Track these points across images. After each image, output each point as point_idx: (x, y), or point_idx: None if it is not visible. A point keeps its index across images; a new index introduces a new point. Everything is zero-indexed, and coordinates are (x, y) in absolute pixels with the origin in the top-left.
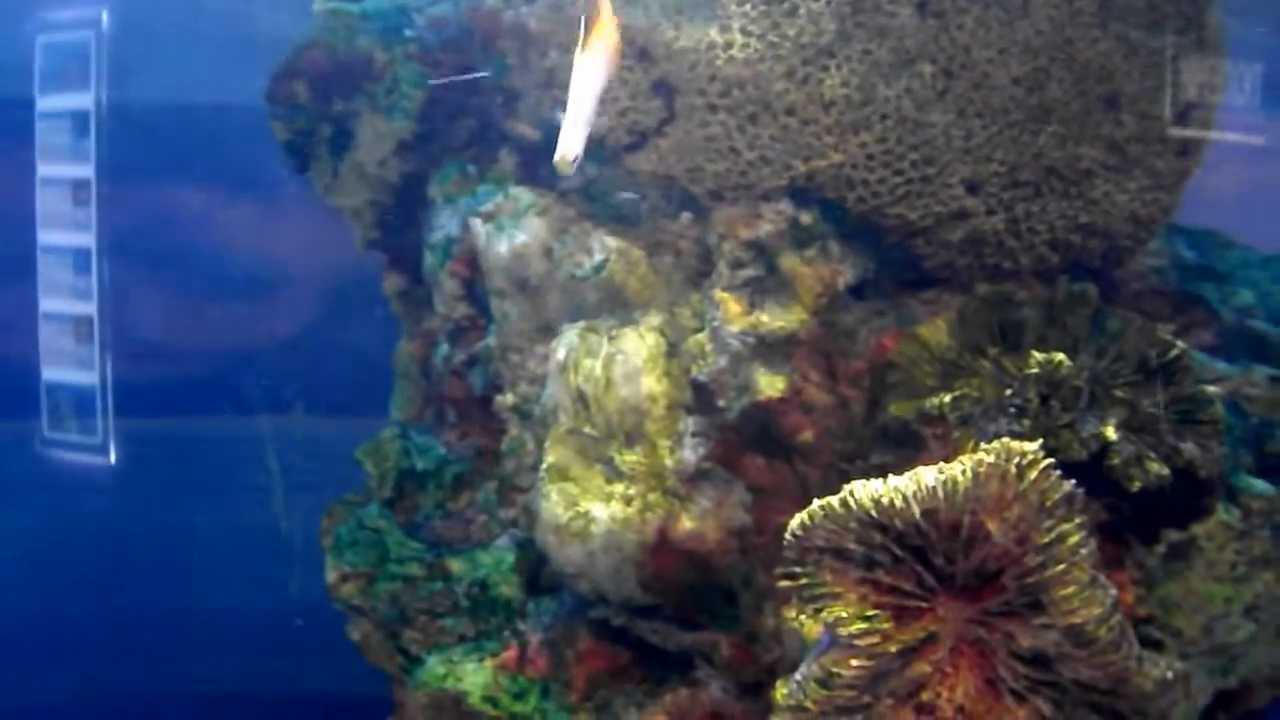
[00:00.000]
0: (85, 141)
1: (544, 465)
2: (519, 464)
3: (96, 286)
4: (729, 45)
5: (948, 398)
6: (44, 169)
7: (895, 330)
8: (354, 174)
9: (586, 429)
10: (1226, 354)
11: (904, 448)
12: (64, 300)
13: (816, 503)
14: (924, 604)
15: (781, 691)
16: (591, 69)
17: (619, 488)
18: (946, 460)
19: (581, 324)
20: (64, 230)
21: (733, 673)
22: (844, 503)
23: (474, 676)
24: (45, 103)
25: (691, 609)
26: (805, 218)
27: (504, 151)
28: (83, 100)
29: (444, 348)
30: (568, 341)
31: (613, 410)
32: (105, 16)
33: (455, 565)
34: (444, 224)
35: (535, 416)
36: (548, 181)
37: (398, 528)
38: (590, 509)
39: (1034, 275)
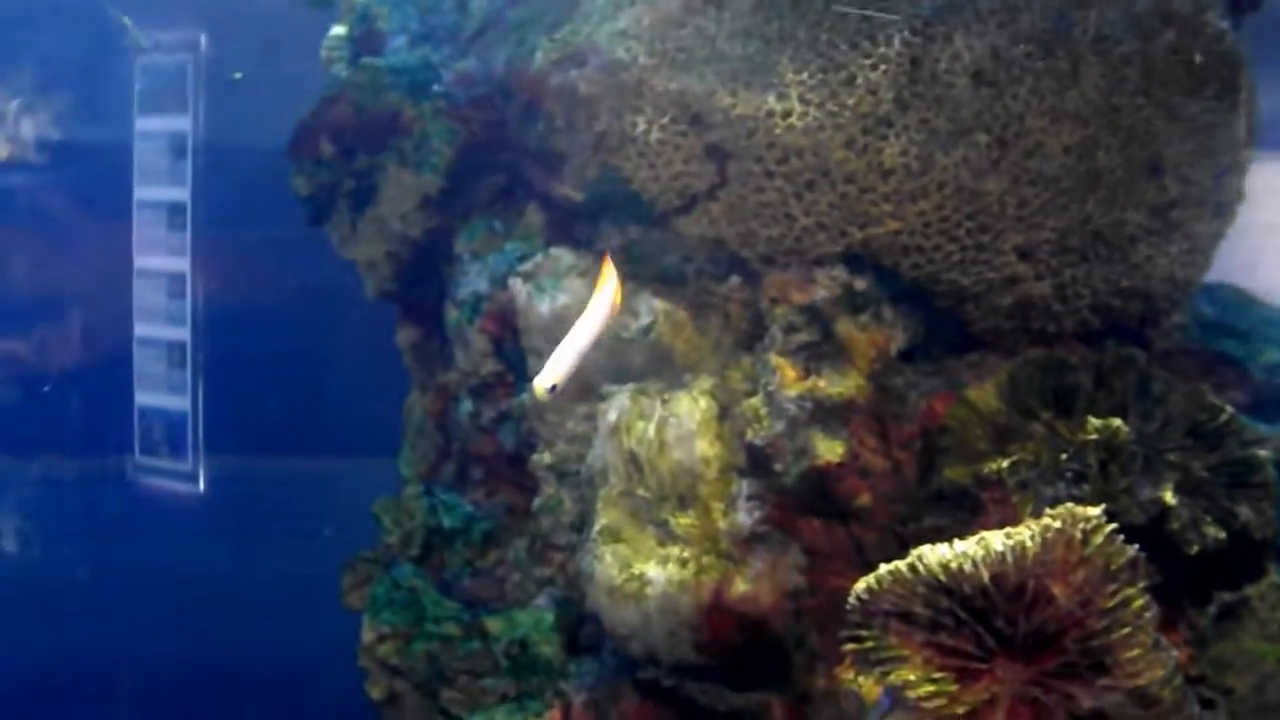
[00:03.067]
0: (182, 164)
1: (596, 527)
2: (555, 522)
3: (190, 311)
4: (787, 114)
5: (1006, 463)
6: (141, 192)
7: (945, 394)
8: (373, 227)
9: (639, 491)
10: (1259, 413)
11: (960, 510)
12: (159, 325)
13: (884, 567)
14: (983, 665)
15: None
16: (598, 315)
17: (673, 550)
18: (1006, 524)
19: (632, 386)
20: (159, 255)
21: None
22: (912, 567)
23: None
24: (143, 124)
25: (744, 670)
26: (860, 283)
27: (531, 207)
28: (180, 123)
29: (467, 404)
30: (619, 404)
31: (666, 473)
32: (203, 39)
33: (493, 625)
34: (472, 280)
35: (575, 475)
36: (579, 239)
37: (432, 587)
38: (645, 571)
39: (1074, 337)
